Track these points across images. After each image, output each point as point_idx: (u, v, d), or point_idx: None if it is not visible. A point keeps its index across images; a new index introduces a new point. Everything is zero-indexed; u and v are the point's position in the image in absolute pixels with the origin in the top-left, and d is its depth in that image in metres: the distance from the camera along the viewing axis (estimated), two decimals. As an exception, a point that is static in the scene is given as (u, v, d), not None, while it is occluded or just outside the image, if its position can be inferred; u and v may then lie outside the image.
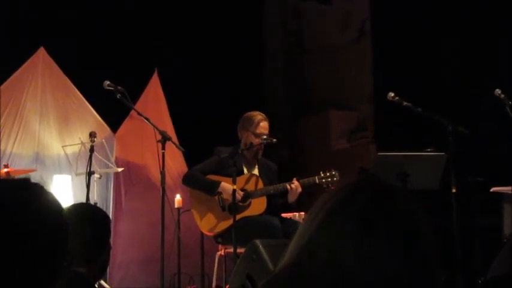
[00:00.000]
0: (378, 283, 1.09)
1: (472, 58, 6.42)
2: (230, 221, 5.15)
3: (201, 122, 7.82)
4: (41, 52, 7.08)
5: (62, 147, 6.64)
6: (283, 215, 5.68)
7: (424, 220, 1.16)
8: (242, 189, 5.39)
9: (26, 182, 1.40)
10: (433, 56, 6.75)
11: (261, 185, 5.45)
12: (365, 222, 1.12)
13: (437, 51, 6.75)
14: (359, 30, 8.69)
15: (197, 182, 5.48)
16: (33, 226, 1.33)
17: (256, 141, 5.43)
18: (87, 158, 5.74)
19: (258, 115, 5.52)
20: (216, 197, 5.37)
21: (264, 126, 5.47)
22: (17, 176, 5.78)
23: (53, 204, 1.39)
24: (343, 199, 1.16)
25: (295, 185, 5.31)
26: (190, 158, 6.66)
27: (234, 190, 5.08)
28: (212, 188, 5.39)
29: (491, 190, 5.34)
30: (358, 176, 1.23)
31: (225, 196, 5.34)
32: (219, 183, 5.38)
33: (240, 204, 5.33)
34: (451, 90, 6.55)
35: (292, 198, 5.35)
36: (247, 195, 5.41)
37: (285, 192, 5.37)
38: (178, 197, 6.85)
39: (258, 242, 4.37)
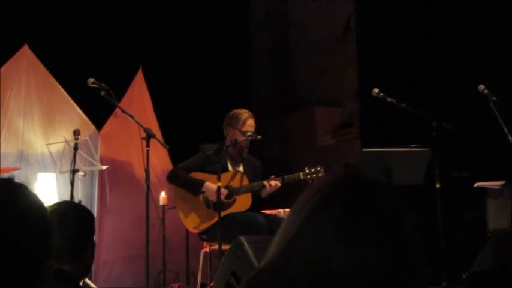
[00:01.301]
0: (366, 278, 1.09)
1: (459, 53, 6.43)
2: (215, 218, 5.14)
3: (186, 119, 7.80)
4: (25, 49, 7.03)
5: (46, 145, 6.60)
6: (268, 211, 5.68)
7: (408, 214, 1.15)
8: (227, 186, 5.39)
9: (9, 182, 1.38)
10: (420, 51, 6.75)
11: (246, 181, 5.44)
12: (351, 217, 1.12)
13: (424, 47, 6.75)
14: (344, 27, 8.70)
15: (181, 181, 5.46)
16: (16, 227, 1.31)
17: (241, 138, 5.43)
18: (72, 156, 5.73)
19: (244, 113, 5.51)
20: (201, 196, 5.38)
21: (250, 124, 5.46)
22: (1, 175, 5.74)
23: (36, 205, 1.37)
24: (328, 195, 1.16)
25: (273, 184, 5.33)
26: (175, 155, 6.64)
27: (219, 187, 5.07)
28: (196, 188, 5.38)
29: (476, 185, 5.36)
30: (343, 171, 1.23)
31: (209, 197, 5.35)
32: (203, 182, 5.36)
33: (225, 201, 5.33)
34: (438, 86, 6.55)
35: (264, 193, 5.38)
36: (232, 192, 5.40)
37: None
38: (163, 195, 6.84)
39: (243, 238, 4.35)
